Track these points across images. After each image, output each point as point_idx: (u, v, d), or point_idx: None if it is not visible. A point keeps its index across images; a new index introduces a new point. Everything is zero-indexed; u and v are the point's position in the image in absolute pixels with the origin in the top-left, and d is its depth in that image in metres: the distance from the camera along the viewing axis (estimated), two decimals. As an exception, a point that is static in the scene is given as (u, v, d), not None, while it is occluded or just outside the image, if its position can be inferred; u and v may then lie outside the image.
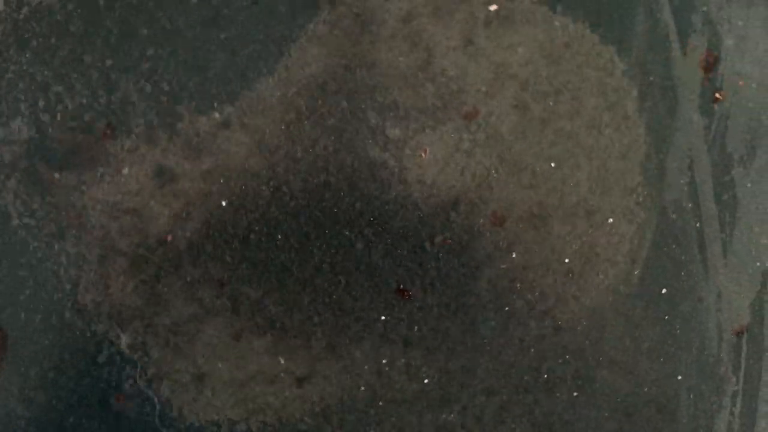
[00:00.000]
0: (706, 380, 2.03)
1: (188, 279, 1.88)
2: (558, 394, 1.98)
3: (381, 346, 1.92)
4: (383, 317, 1.92)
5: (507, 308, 1.95)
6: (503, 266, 1.94)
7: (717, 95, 1.95)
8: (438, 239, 1.93)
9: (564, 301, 1.97)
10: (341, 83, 1.94)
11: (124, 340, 1.86)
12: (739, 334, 2.03)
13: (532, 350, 1.97)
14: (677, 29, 2.07)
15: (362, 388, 1.92)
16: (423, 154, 1.91)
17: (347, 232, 1.92)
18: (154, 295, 1.87)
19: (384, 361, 1.93)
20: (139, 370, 1.87)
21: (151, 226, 1.87)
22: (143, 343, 1.87)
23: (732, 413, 2.05)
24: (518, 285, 1.95)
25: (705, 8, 2.09)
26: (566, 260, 1.97)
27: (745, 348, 2.06)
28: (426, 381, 1.93)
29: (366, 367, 1.92)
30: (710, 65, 2.04)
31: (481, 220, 1.94)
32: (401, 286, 1.92)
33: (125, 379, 1.87)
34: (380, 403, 1.93)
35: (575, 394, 1.98)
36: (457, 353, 1.94)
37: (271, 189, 1.92)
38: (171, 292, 1.88)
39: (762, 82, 2.09)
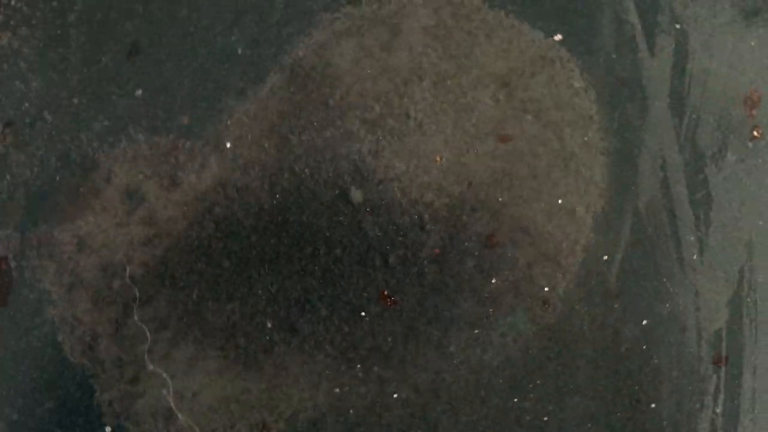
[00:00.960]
0: (688, 380, 2.03)
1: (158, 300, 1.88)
2: (528, 417, 1.96)
3: (355, 354, 1.92)
4: (365, 318, 1.91)
5: (477, 330, 1.94)
6: (483, 291, 1.93)
7: (755, 133, 1.95)
8: (427, 249, 1.92)
9: (536, 323, 1.96)
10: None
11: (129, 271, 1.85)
12: (718, 363, 2.02)
13: (500, 380, 1.95)
14: (644, 30, 2.07)
15: (336, 390, 1.91)
16: (438, 159, 1.91)
17: (337, 238, 1.92)
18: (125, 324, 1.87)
19: (359, 366, 1.92)
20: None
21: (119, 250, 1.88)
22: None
23: (715, 412, 2.04)
24: (491, 311, 1.94)
25: (670, 8, 2.10)
26: (546, 289, 1.96)
27: (725, 346, 2.05)
28: (395, 396, 1.92)
29: (342, 368, 1.92)
30: (755, 103, 2.04)
31: (474, 238, 1.94)
32: (385, 293, 1.91)
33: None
34: (351, 411, 1.91)
35: (545, 418, 1.97)
36: (427, 370, 1.93)
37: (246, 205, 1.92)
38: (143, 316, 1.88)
39: (731, 78, 2.10)
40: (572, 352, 1.97)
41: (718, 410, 2.04)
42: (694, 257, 2.05)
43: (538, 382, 1.96)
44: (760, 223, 2.08)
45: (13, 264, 1.88)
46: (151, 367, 1.85)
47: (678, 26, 2.09)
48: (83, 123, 1.94)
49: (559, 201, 1.99)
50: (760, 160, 2.09)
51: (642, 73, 2.06)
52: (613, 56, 2.05)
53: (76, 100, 1.93)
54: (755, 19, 2.15)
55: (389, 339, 1.93)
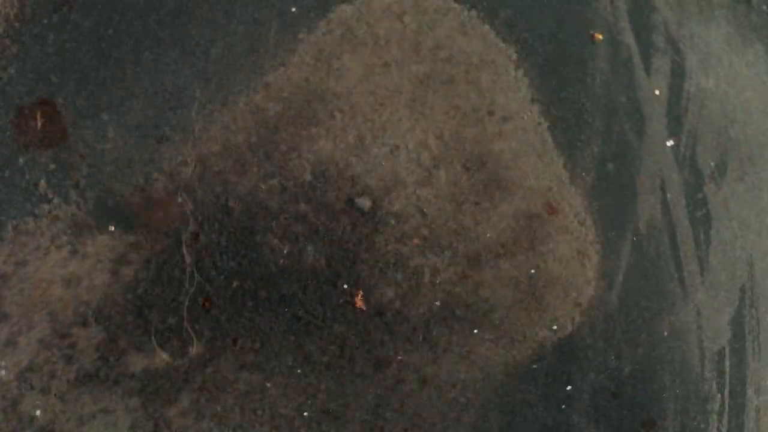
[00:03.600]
0: (691, 400, 2.02)
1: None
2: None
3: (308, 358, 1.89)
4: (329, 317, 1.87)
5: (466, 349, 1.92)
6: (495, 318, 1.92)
7: None
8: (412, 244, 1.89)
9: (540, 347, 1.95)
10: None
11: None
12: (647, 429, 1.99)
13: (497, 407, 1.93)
14: (639, 50, 2.07)
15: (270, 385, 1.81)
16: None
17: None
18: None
19: (310, 371, 1.89)
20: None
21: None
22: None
23: (719, 430, 2.04)
24: (491, 336, 1.92)
25: (665, 27, 2.09)
26: (549, 313, 1.94)
27: (728, 364, 2.05)
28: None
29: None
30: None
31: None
32: (361, 295, 1.84)
33: None
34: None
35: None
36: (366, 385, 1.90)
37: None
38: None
39: (728, 97, 2.09)
40: (576, 375, 1.97)
41: (723, 429, 2.04)
42: (695, 277, 2.04)
43: (539, 404, 1.95)
44: (761, 240, 2.07)
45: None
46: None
47: (674, 45, 2.09)
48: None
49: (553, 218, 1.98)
50: (759, 178, 2.09)
51: (638, 94, 2.06)
52: (609, 78, 2.05)
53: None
54: (751, 35, 2.15)
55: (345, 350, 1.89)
